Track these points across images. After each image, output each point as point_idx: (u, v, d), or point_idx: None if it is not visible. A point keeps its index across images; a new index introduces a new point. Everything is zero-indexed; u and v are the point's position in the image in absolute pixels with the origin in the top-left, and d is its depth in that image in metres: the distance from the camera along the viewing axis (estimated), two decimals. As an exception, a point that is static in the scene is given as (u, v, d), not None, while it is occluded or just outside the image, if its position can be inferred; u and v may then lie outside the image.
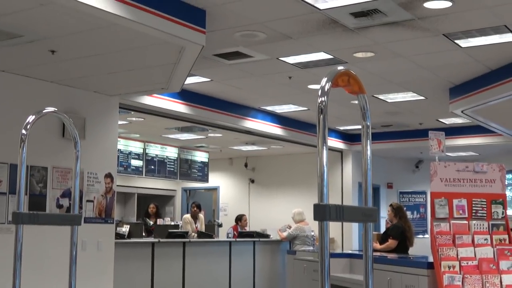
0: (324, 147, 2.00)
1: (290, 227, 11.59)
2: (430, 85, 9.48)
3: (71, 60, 6.74)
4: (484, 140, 13.18)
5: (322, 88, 2.10)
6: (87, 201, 8.07)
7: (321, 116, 2.04)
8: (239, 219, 12.63)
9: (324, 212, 1.90)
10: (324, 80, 2.12)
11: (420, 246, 11.80)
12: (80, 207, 7.94)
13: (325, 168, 1.97)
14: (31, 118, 2.61)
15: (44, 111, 2.69)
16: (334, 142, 13.81)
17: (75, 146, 2.75)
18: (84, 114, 8.04)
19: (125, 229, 10.12)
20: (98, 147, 8.26)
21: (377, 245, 8.28)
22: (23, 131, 2.59)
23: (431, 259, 5.63)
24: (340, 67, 2.20)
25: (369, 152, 2.25)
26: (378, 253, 7.53)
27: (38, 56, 6.56)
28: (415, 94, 10.08)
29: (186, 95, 9.73)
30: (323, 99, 2.06)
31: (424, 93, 10.04)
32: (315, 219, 1.94)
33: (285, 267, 10.89)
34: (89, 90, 8.05)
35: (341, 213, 1.95)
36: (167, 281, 9.40)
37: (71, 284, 2.63)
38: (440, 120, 12.31)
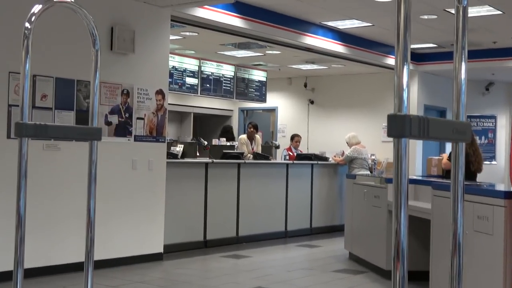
0: (405, 46, 1.45)
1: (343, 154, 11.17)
2: (509, -3, 8.63)
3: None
4: None
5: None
6: (138, 118, 7.71)
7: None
8: (291, 138, 12.25)
9: (403, 126, 1.36)
10: None
11: (487, 173, 11.13)
12: (130, 125, 7.60)
13: (406, 66, 1.43)
14: (36, 9, 2.13)
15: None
16: (399, 62, 13.03)
17: (94, 45, 2.28)
18: (134, 26, 7.59)
19: (179, 148, 9.81)
20: (148, 62, 7.84)
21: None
22: (27, 24, 2.11)
23: (499, 188, 5.05)
24: None
25: (465, 53, 1.69)
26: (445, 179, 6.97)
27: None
28: (492, 8, 9.21)
29: (242, 8, 9.12)
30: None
31: (502, 6, 9.14)
32: (389, 135, 1.41)
33: (343, 192, 10.46)
34: (139, 1, 7.57)
35: (426, 128, 1.41)
36: (220, 203, 9.09)
37: (90, 205, 2.22)
38: (517, 38, 11.38)
